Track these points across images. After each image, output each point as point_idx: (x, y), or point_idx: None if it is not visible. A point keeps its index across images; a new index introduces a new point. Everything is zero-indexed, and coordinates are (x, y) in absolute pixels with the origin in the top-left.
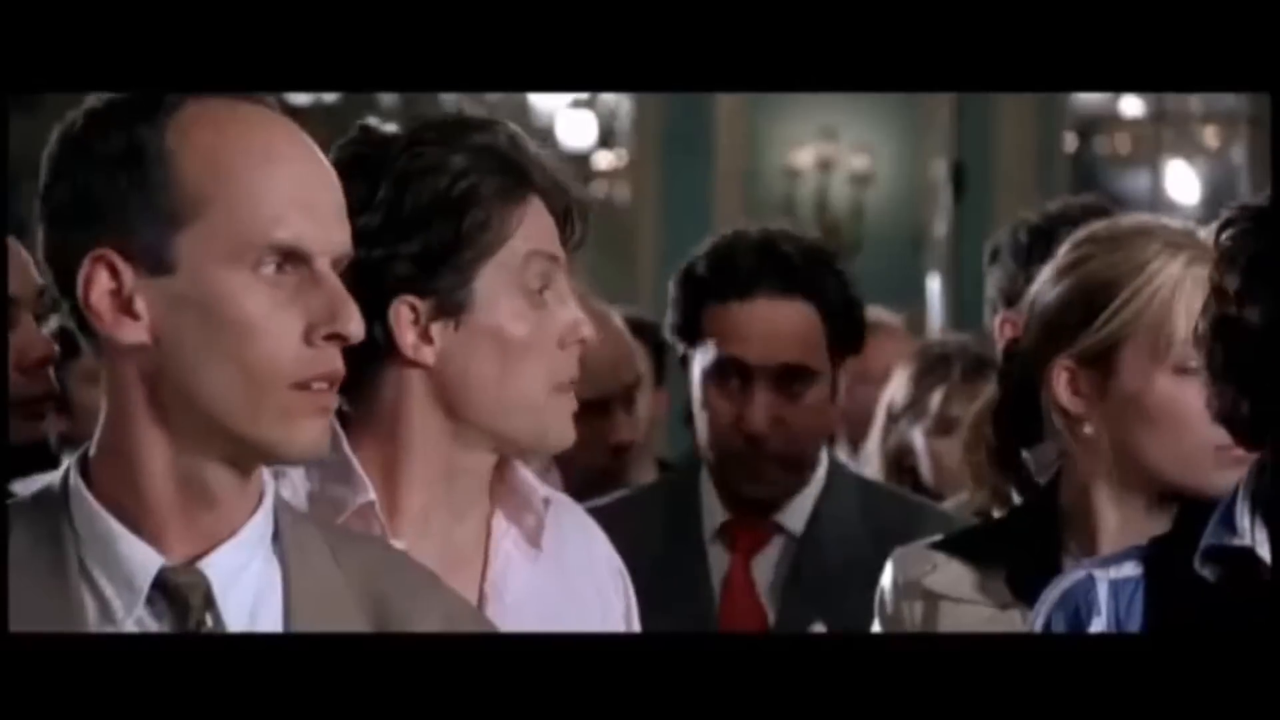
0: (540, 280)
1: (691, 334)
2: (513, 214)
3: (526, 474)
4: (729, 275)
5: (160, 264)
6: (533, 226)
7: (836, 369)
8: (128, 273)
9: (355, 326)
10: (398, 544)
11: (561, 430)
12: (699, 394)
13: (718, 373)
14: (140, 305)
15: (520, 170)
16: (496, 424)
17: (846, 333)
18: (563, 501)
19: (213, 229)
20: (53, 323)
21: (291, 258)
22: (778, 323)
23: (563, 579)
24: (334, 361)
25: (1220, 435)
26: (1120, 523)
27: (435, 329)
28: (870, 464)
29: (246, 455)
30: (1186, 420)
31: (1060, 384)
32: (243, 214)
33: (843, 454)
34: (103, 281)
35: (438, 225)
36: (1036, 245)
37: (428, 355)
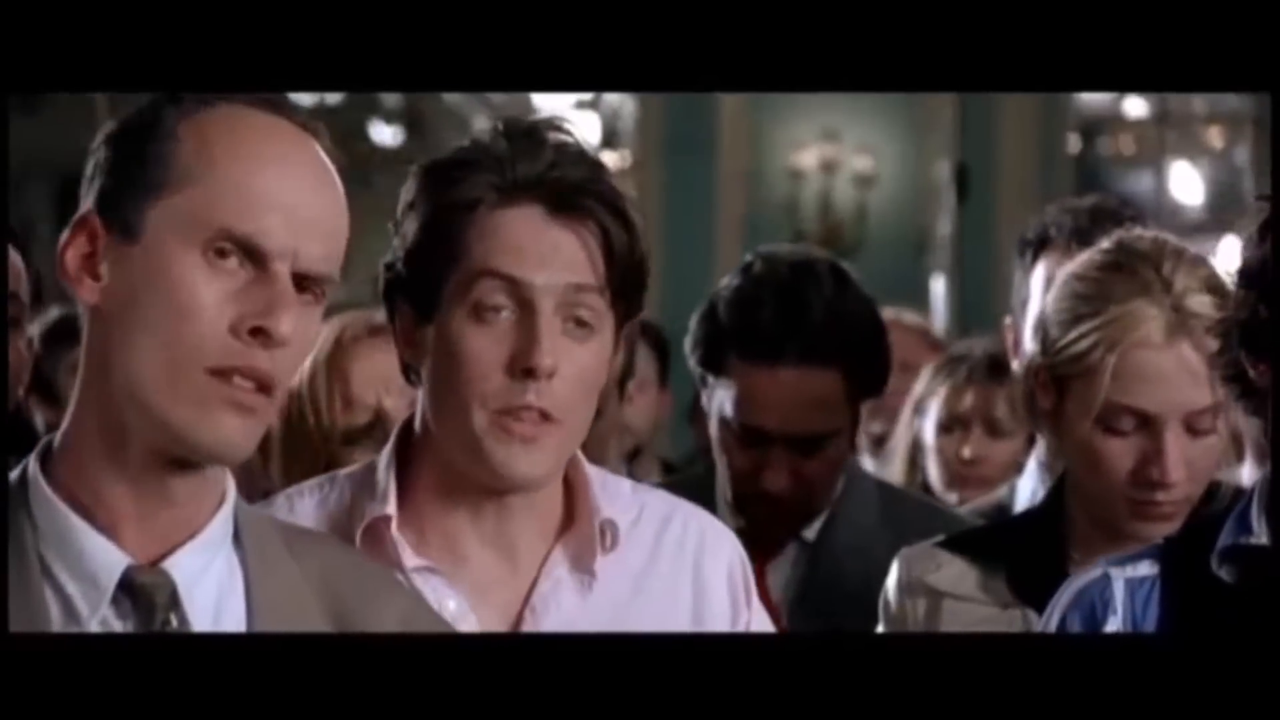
0: (491, 300)
1: (714, 369)
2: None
3: (594, 496)
4: (753, 335)
5: (129, 231)
6: (494, 237)
7: (856, 412)
8: (102, 236)
9: (285, 327)
10: (417, 560)
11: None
12: (716, 434)
13: (739, 432)
14: (103, 268)
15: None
16: (451, 446)
17: (870, 386)
18: (676, 515)
19: (182, 206)
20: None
21: (249, 254)
22: (802, 394)
23: (623, 607)
24: (257, 359)
25: (1139, 490)
26: (1091, 529)
27: (418, 335)
28: (895, 458)
29: (166, 440)
30: (1103, 470)
31: (1037, 381)
32: (213, 198)
33: None
34: (80, 243)
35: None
36: (1025, 253)
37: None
